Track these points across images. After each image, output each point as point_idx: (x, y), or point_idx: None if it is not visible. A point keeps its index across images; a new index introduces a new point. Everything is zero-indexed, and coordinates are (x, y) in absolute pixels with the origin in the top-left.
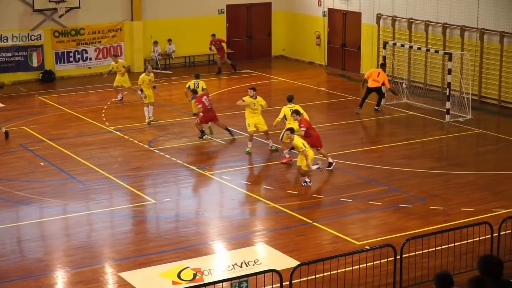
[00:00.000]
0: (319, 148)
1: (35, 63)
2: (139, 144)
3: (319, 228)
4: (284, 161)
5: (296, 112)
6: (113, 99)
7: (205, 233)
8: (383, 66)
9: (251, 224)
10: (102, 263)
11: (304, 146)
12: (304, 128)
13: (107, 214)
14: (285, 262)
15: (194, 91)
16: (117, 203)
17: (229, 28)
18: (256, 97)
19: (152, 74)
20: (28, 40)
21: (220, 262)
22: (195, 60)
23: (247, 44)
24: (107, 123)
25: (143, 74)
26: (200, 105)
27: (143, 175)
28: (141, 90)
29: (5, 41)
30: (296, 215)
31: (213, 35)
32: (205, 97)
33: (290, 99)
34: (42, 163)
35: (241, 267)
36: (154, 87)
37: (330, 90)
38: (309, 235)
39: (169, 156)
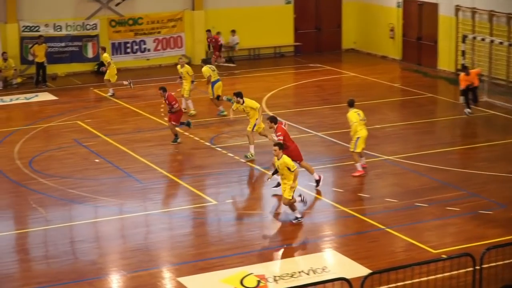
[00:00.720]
0: (299, 162)
1: (90, 54)
2: (200, 141)
3: (392, 235)
4: (356, 174)
5: (271, 119)
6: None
7: (270, 237)
8: (464, 69)
9: (319, 228)
10: (160, 267)
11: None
12: (281, 137)
13: (165, 215)
14: (356, 270)
15: (163, 89)
16: (176, 203)
17: (296, 19)
18: (243, 102)
19: (187, 67)
20: (83, 30)
21: (286, 268)
22: (260, 52)
23: (315, 36)
24: (166, 119)
25: (178, 65)
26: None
27: (204, 174)
28: (180, 77)
29: (58, 30)
30: (368, 220)
31: (208, 31)
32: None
33: (351, 104)
34: (97, 160)
35: (308, 274)
36: (192, 82)
37: (405, 87)
38: (381, 242)
39: (231, 155)
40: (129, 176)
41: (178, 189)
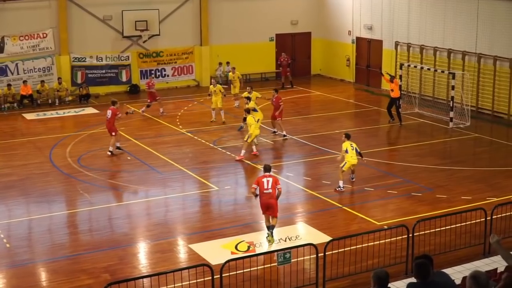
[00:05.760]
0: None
1: (124, 79)
2: (205, 143)
3: (347, 211)
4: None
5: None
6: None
7: (257, 213)
8: (391, 77)
9: (293, 207)
10: (176, 237)
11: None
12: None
13: (180, 198)
14: (320, 237)
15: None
16: (188, 189)
17: (277, 52)
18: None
19: (218, 86)
20: (119, 60)
21: None
22: (250, 77)
23: (291, 65)
24: (180, 126)
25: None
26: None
27: (209, 168)
28: (209, 94)
29: (100, 60)
30: (329, 200)
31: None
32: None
33: (348, 137)
34: (129, 157)
35: (285, 241)
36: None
37: (357, 102)
38: (339, 216)
39: (229, 153)
40: (152, 169)
41: (189, 178)
